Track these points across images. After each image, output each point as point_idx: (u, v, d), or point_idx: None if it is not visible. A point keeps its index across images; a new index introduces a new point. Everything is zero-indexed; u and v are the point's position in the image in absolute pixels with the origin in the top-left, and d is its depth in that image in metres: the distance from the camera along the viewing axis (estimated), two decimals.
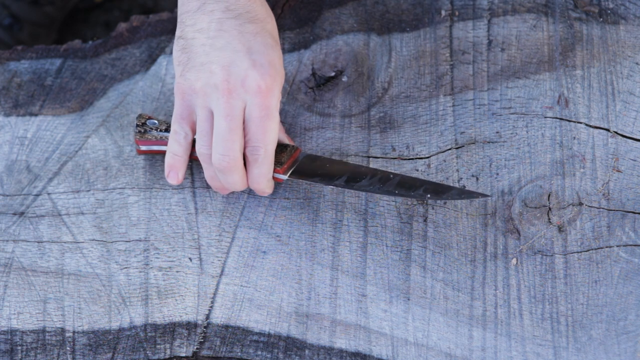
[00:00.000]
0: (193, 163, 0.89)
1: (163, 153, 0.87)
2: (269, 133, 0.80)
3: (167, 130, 0.86)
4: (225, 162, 0.80)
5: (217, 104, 0.79)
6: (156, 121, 0.87)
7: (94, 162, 0.90)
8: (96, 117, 0.92)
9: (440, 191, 0.83)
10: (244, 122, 0.80)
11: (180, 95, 0.82)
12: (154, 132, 0.87)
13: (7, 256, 0.87)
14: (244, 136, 0.80)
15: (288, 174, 0.84)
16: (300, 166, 0.85)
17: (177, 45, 0.82)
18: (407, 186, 0.83)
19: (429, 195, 0.82)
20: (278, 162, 0.84)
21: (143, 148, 0.88)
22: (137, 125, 0.86)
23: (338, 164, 0.85)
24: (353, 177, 0.84)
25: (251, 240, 0.86)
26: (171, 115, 0.90)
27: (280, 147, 0.85)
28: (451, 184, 0.86)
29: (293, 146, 0.85)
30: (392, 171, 0.86)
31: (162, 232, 0.87)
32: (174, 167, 0.84)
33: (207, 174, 0.84)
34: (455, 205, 0.86)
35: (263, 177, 0.82)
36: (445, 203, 0.86)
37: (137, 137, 0.86)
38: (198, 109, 0.81)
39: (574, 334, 0.82)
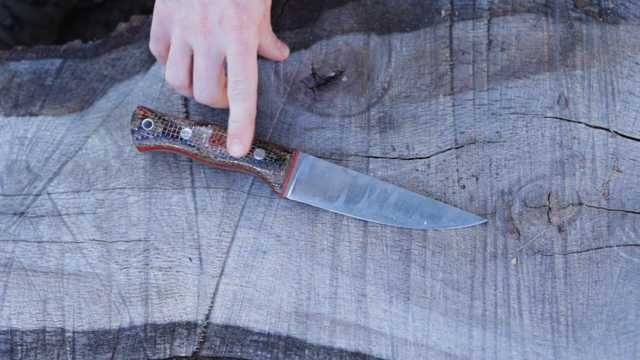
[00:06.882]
0: (193, 163, 0.89)
1: (164, 148, 0.86)
2: (249, 67, 0.81)
3: (164, 132, 0.86)
4: (204, 97, 0.84)
5: (195, 40, 0.82)
6: (151, 121, 0.86)
7: (94, 162, 0.90)
8: (96, 117, 0.92)
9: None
10: (224, 61, 0.83)
11: (159, 20, 0.84)
12: (151, 139, 0.86)
13: (7, 256, 0.87)
14: (227, 75, 0.82)
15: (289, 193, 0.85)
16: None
17: None
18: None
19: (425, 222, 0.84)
20: (277, 184, 0.85)
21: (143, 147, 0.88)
22: (133, 132, 0.86)
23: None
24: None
25: (251, 240, 0.86)
26: (172, 115, 0.90)
27: (277, 157, 0.85)
28: (451, 185, 0.86)
29: (291, 154, 0.85)
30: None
31: (162, 232, 0.87)
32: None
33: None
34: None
35: (247, 114, 0.82)
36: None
37: (136, 143, 0.86)
38: (174, 38, 0.84)
39: (573, 334, 0.82)
